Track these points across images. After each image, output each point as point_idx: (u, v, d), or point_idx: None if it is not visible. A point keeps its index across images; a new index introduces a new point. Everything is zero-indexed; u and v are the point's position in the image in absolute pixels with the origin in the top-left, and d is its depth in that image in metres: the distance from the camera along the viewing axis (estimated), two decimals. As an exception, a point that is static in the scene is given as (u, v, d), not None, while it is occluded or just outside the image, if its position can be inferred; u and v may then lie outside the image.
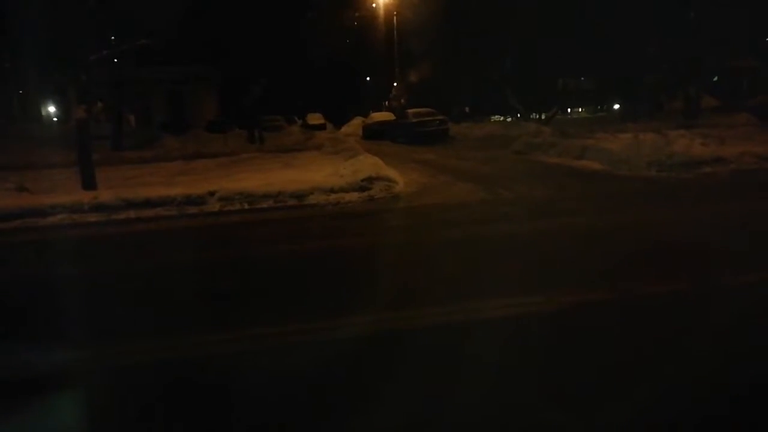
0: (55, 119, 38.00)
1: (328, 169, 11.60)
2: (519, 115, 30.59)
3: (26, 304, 4.82)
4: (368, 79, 50.45)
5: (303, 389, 3.02)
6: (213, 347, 3.58)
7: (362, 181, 9.90)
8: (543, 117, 28.71)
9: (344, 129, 36.17)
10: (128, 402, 3.02)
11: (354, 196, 9.49)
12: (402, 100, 36.16)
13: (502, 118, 38.47)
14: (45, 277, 5.70)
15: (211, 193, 9.40)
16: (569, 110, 42.98)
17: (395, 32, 34.74)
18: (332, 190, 9.60)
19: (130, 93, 24.51)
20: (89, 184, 10.45)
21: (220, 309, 4.36)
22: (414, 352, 3.43)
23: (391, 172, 10.72)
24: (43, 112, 37.27)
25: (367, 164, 10.95)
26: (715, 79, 31.04)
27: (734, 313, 3.74)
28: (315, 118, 40.75)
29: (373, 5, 37.82)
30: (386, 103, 40.99)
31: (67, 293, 5.07)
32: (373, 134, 27.55)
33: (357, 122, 35.31)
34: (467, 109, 40.01)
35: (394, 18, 34.60)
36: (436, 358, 3.30)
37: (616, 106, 37.28)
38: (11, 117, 30.64)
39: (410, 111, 25.34)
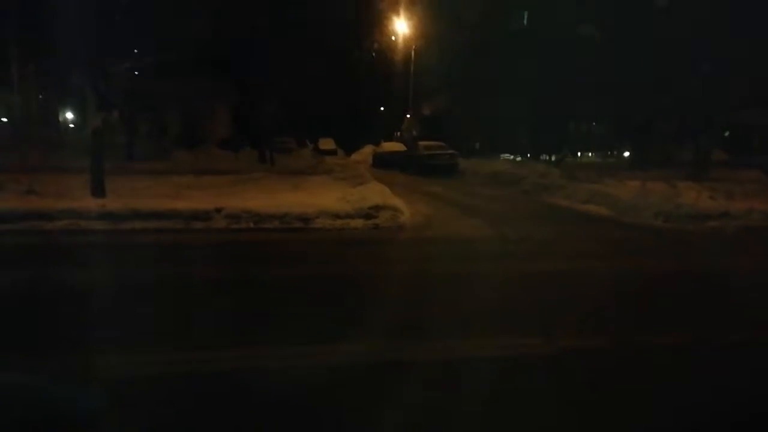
0: (71, 125, 38.49)
1: (335, 194, 11.65)
2: (529, 155, 30.75)
3: (15, 309, 4.80)
4: (382, 108, 51.03)
5: (291, 411, 2.99)
6: (205, 365, 3.56)
7: (369, 208, 9.93)
8: (553, 159, 28.83)
9: (354, 156, 36.43)
10: (116, 415, 2.99)
11: (359, 222, 9.52)
12: (413, 132, 36.48)
13: (512, 157, 38.69)
14: (38, 281, 5.69)
15: (218, 210, 9.45)
16: (579, 154, 43.20)
17: (412, 65, 35.26)
18: (338, 216, 9.63)
19: (145, 105, 24.85)
20: (98, 191, 10.54)
21: (214, 326, 4.35)
22: (406, 386, 3.39)
23: (398, 202, 10.75)
24: (60, 118, 37.78)
25: (375, 192, 11.00)
26: (726, 134, 31.21)
27: (732, 369, 3.70)
28: (326, 143, 41.10)
29: (393, 38, 38.50)
30: (398, 133, 41.34)
31: (58, 301, 5.04)
32: (382, 163, 27.74)
33: (367, 150, 35.57)
34: (477, 145, 40.29)
35: (412, 52, 35.16)
36: (427, 394, 3.27)
37: (626, 154, 37.42)
38: (29, 121, 31.03)
39: (421, 143, 25.54)
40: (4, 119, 32.60)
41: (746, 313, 4.93)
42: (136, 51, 15.82)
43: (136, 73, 19.82)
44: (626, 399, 3.27)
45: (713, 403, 3.22)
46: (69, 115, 39.60)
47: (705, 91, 21.43)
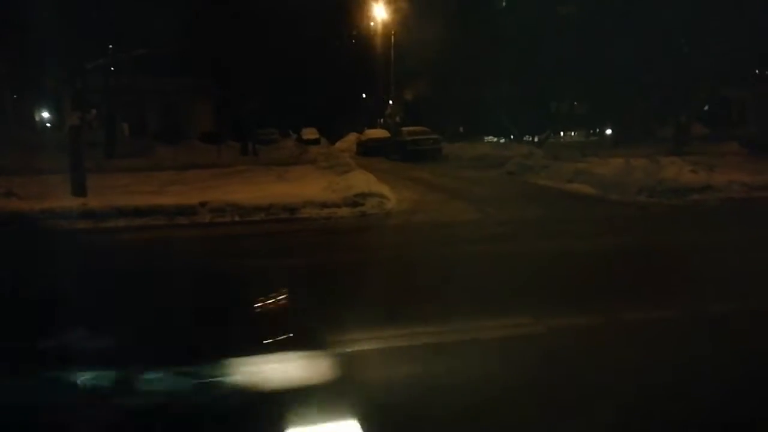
0: (48, 125, 37.78)
1: (321, 184, 11.60)
2: (512, 137, 30.82)
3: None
4: (364, 96, 50.79)
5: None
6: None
7: (355, 196, 9.90)
8: (536, 139, 28.91)
9: (338, 144, 36.28)
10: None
11: (346, 211, 9.49)
12: (397, 118, 36.39)
13: (495, 139, 38.72)
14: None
15: (203, 204, 9.36)
16: (562, 134, 43.37)
17: (392, 51, 35.06)
18: (324, 205, 9.59)
19: (124, 101, 24.49)
20: (79, 190, 10.38)
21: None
22: (400, 370, 3.40)
23: (383, 189, 10.73)
24: (37, 118, 37.07)
25: (360, 180, 10.96)
26: (706, 107, 31.48)
27: (723, 340, 3.75)
28: (310, 133, 40.87)
29: (371, 24, 38.22)
30: (381, 120, 41.22)
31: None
32: (367, 151, 27.68)
33: (351, 138, 35.44)
34: (461, 128, 40.28)
35: (392, 37, 34.94)
36: (423, 378, 3.28)
37: (609, 131, 37.63)
38: (4, 121, 30.47)
39: (405, 129, 25.50)
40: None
41: (732, 286, 4.99)
42: (111, 47, 15.54)
43: (112, 69, 19.51)
44: (615, 374, 3.30)
45: (701, 375, 3.26)
46: (45, 115, 38.87)
47: (684, 67, 21.57)
